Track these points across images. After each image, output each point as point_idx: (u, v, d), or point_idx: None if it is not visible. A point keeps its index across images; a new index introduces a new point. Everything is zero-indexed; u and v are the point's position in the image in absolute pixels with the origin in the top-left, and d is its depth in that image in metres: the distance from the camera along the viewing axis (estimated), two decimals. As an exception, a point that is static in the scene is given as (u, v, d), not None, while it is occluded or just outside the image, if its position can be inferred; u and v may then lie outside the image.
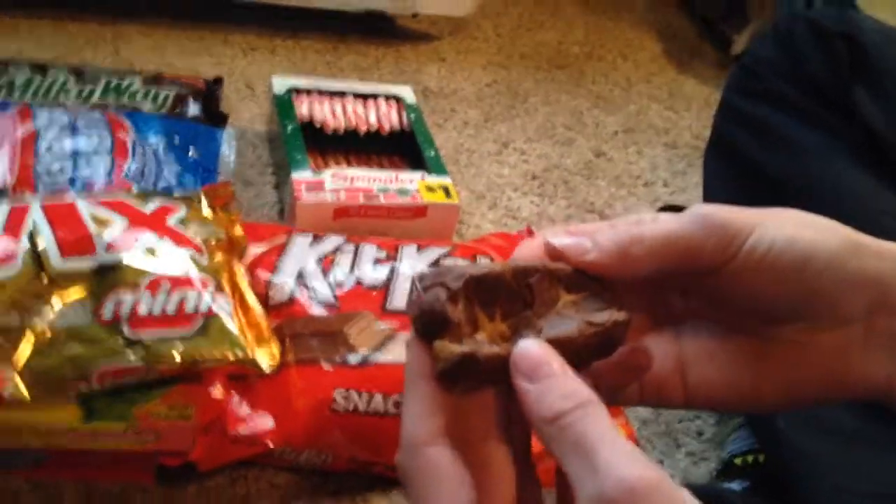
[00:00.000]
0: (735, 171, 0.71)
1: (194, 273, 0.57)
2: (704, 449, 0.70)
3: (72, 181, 0.72)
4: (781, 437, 0.57)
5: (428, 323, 0.31)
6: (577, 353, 0.32)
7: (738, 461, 0.64)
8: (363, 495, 0.61)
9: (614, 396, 0.35)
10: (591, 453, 0.26)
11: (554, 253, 0.33)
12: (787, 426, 0.56)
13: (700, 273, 0.33)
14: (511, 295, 0.33)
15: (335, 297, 0.66)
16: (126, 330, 0.53)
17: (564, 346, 0.31)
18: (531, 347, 0.29)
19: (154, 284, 0.55)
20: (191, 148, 0.82)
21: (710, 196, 0.74)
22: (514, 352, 0.30)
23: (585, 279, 0.34)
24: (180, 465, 0.57)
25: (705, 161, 0.77)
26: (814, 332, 0.33)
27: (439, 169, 0.86)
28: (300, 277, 0.66)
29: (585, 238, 0.33)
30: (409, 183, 0.83)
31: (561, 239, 0.33)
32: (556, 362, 0.29)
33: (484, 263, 0.33)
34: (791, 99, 0.69)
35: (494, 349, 0.31)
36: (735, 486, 0.62)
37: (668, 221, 0.33)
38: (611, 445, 0.26)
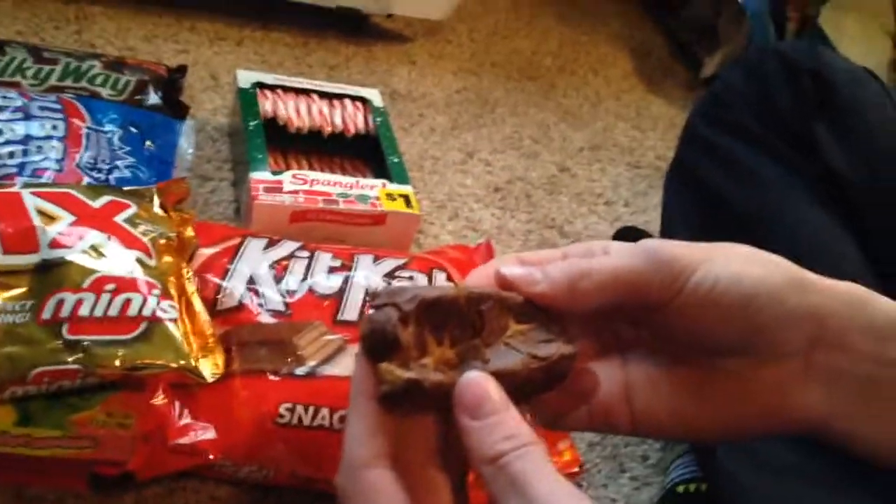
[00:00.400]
0: (695, 198, 0.71)
1: (140, 275, 0.55)
2: (648, 474, 0.70)
3: (21, 167, 0.70)
4: (720, 467, 0.57)
5: (377, 343, 0.31)
6: (521, 387, 0.32)
7: (680, 489, 0.65)
8: (304, 510, 0.60)
9: (562, 421, 0.36)
10: (528, 490, 0.26)
11: (504, 283, 0.34)
12: (726, 457, 0.57)
13: (647, 308, 0.34)
14: (462, 320, 0.33)
15: (286, 304, 0.65)
16: (66, 331, 0.51)
17: (508, 379, 0.31)
18: (475, 380, 0.29)
19: (98, 285, 0.53)
20: (147, 139, 0.79)
21: (668, 219, 0.74)
22: (458, 383, 0.30)
23: (535, 309, 0.34)
24: (118, 474, 0.56)
25: (666, 184, 0.77)
26: (756, 366, 0.34)
27: (402, 177, 0.85)
28: (251, 283, 0.65)
29: (536, 269, 0.34)
30: (370, 189, 0.82)
31: (512, 269, 0.34)
32: (499, 398, 0.29)
33: (439, 286, 0.33)
34: (756, 131, 0.70)
35: (439, 377, 0.31)
36: (675, 515, 0.62)
37: (617, 256, 0.34)
38: (547, 482, 0.26)
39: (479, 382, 0.29)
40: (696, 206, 0.73)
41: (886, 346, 0.34)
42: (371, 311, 0.32)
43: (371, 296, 0.34)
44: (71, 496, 0.56)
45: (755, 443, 0.57)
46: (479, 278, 0.35)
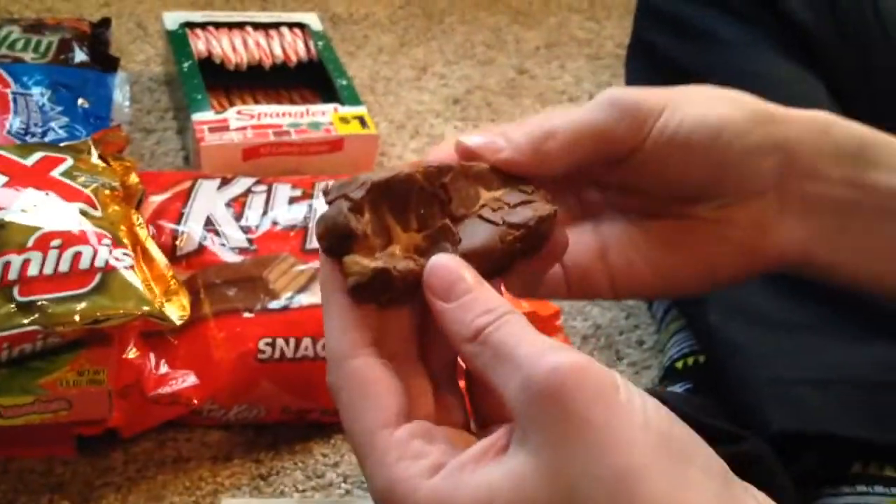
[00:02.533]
0: (657, 72, 0.69)
1: (87, 227, 0.52)
2: (646, 358, 0.69)
3: (-53, 142, 0.66)
4: (714, 332, 0.57)
5: (332, 238, 0.29)
6: (499, 260, 0.30)
7: (678, 365, 0.64)
8: (302, 444, 0.58)
9: (537, 289, 0.34)
10: (513, 354, 0.25)
11: (467, 153, 0.32)
12: (719, 320, 0.56)
13: (615, 159, 0.33)
14: (425, 198, 0.30)
15: (250, 241, 0.62)
16: (17, 294, 0.49)
17: (483, 257, 0.30)
18: (443, 263, 0.28)
19: (43, 243, 0.50)
20: (80, 97, 0.75)
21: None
22: (425, 270, 0.28)
23: (504, 174, 0.32)
24: (101, 432, 0.54)
25: (627, 64, 0.75)
26: (729, 208, 0.34)
27: (353, 99, 0.82)
28: (209, 224, 0.62)
29: (498, 136, 0.32)
30: (322, 116, 0.78)
31: (473, 138, 0.32)
32: (470, 276, 0.28)
33: (392, 168, 0.30)
34: None
35: (409, 264, 0.29)
36: (677, 388, 0.61)
37: (578, 111, 0.32)
38: (531, 342, 0.25)
39: (446, 264, 0.28)
40: (658, 80, 0.70)
41: (857, 170, 0.34)
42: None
43: (323, 193, 0.31)
44: (59, 463, 0.54)
45: (745, 300, 0.56)
46: (438, 155, 0.33)
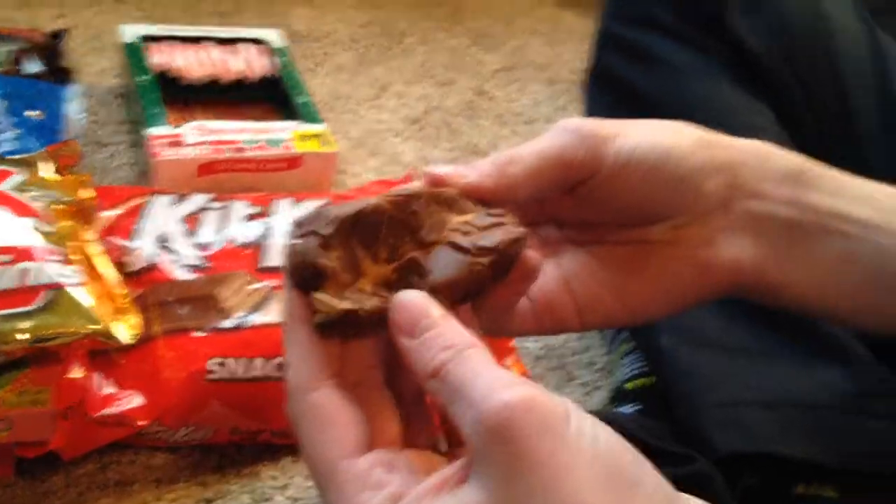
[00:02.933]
0: (614, 97, 0.70)
1: (37, 242, 0.51)
2: (597, 378, 0.69)
3: None
4: (665, 355, 0.58)
5: (302, 275, 0.29)
6: (470, 288, 0.31)
7: (629, 386, 0.65)
8: (250, 467, 0.57)
9: (507, 325, 0.35)
10: (468, 391, 0.25)
11: (435, 180, 0.33)
12: (671, 346, 0.57)
13: (574, 183, 0.34)
14: (394, 227, 0.31)
15: (204, 258, 0.61)
16: (-41, 312, 0.47)
17: (452, 288, 0.30)
18: (408, 300, 0.28)
19: (-12, 259, 0.49)
20: (32, 109, 0.74)
21: (590, 121, 0.73)
22: (392, 305, 0.28)
23: (473, 200, 0.33)
24: (42, 454, 0.52)
25: (585, 88, 0.76)
26: (680, 229, 0.35)
27: (313, 117, 0.81)
28: (162, 240, 0.61)
29: (465, 166, 0.34)
30: (281, 132, 0.78)
31: (441, 167, 0.34)
32: (435, 311, 0.28)
33: (360, 200, 0.30)
34: (667, 21, 0.69)
35: (376, 302, 0.29)
36: (627, 409, 0.62)
37: (540, 140, 0.34)
38: (487, 378, 0.25)
39: (410, 301, 0.28)
40: (614, 105, 0.72)
41: (798, 191, 0.36)
42: (293, 242, 0.30)
43: (293, 225, 0.31)
44: (-3, 486, 0.53)
45: (696, 324, 0.57)
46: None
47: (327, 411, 0.27)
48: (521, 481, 0.23)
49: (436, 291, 0.29)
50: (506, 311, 0.35)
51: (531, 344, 0.71)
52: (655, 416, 0.60)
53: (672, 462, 0.53)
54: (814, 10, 0.65)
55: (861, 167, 0.63)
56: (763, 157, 0.36)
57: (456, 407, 0.26)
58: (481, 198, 0.33)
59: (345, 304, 0.28)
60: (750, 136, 0.65)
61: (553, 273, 0.37)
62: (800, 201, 0.35)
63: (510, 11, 1.22)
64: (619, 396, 0.64)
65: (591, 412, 0.72)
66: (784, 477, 0.53)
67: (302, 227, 0.30)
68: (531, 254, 0.33)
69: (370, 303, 0.29)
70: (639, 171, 0.34)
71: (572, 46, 1.17)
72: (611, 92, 0.72)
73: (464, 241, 0.31)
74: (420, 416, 0.31)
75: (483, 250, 0.31)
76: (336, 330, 0.29)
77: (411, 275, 0.30)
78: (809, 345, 0.56)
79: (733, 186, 0.35)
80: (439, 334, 0.27)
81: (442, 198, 0.32)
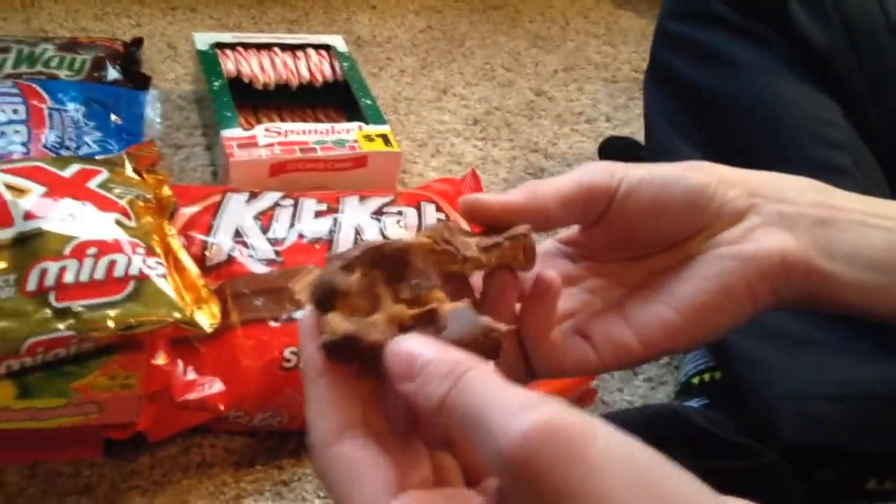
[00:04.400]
0: (674, 95, 0.70)
1: (122, 236, 0.54)
2: (662, 374, 0.70)
3: (-13, 155, 0.68)
4: (731, 348, 0.57)
5: (318, 293, 0.29)
6: (483, 352, 0.29)
7: (695, 380, 0.64)
8: (323, 452, 0.59)
9: (556, 361, 0.35)
10: (482, 419, 0.24)
11: (470, 205, 0.34)
12: (736, 338, 0.57)
13: (598, 211, 0.36)
14: (421, 272, 0.30)
15: (277, 252, 0.63)
16: (53, 300, 0.50)
17: (466, 348, 0.28)
18: (397, 349, 0.27)
19: (79, 251, 0.52)
20: (112, 113, 0.78)
21: (651, 122, 0.73)
22: (384, 353, 0.27)
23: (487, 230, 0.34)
24: (129, 436, 0.55)
25: (645, 88, 0.76)
26: (716, 235, 0.35)
27: (377, 118, 0.84)
28: (238, 236, 0.64)
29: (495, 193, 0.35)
30: (347, 133, 0.80)
31: (475, 195, 0.35)
32: (425, 348, 0.27)
33: (397, 237, 0.31)
34: (725, 17, 0.68)
35: (381, 336, 0.28)
36: (693, 403, 0.62)
37: (561, 175, 0.36)
38: (498, 403, 0.24)
39: (401, 346, 0.27)
40: (675, 103, 0.72)
41: (823, 197, 0.36)
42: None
43: (326, 260, 0.32)
44: (86, 465, 0.55)
45: (761, 316, 0.57)
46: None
47: (354, 463, 0.27)
48: None
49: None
50: (545, 337, 0.34)
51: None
52: (722, 411, 0.60)
53: (740, 455, 0.53)
54: (876, 2, 0.64)
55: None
56: (778, 176, 0.37)
57: (473, 437, 0.25)
58: (515, 220, 0.34)
59: (348, 327, 0.28)
60: (818, 129, 0.64)
61: (606, 311, 0.37)
62: (828, 203, 0.35)
63: (567, 13, 1.23)
64: (685, 391, 0.64)
65: (656, 404, 0.72)
66: (856, 471, 0.52)
67: (332, 256, 0.30)
68: (548, 273, 0.33)
69: (375, 335, 0.28)
70: (651, 190, 0.35)
71: (630, 46, 1.17)
72: (671, 90, 0.72)
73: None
74: (448, 457, 0.30)
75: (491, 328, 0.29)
76: (339, 353, 0.28)
77: (427, 326, 0.29)
78: (879, 339, 0.55)
79: (755, 195, 0.35)
80: (435, 367, 0.26)
81: (457, 229, 0.32)
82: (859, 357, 0.55)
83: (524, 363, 0.35)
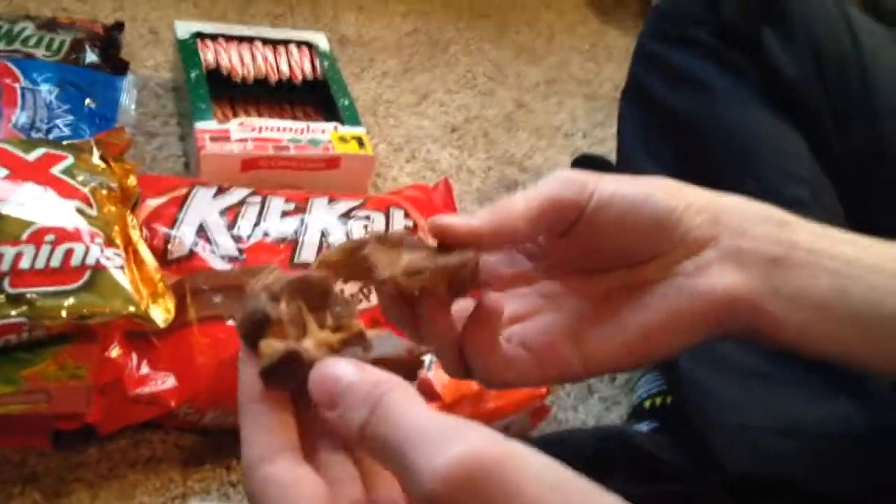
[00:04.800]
0: (647, 115, 0.71)
1: (82, 225, 0.54)
2: (616, 394, 0.70)
3: (-47, 131, 0.67)
4: (684, 377, 0.58)
5: (249, 324, 0.30)
6: (409, 370, 0.31)
7: (647, 404, 0.65)
8: (273, 453, 0.59)
9: (497, 373, 0.35)
10: (403, 453, 0.24)
11: (438, 229, 0.34)
12: (690, 367, 0.58)
13: (565, 224, 0.36)
14: (342, 301, 0.32)
15: (240, 250, 0.63)
16: (7, 285, 0.50)
17: (393, 366, 0.30)
18: (319, 370, 0.27)
19: (37, 237, 0.52)
20: (87, 97, 0.77)
21: (623, 140, 0.74)
22: (311, 377, 0.28)
23: (440, 245, 0.34)
24: (78, 427, 0.54)
25: (620, 107, 0.76)
26: (674, 265, 0.36)
27: (353, 119, 0.83)
28: (201, 231, 0.63)
29: (466, 215, 0.35)
30: (322, 133, 0.80)
31: (444, 217, 0.35)
32: (348, 373, 0.27)
33: (317, 273, 0.32)
34: (704, 43, 0.69)
35: (319, 354, 0.29)
36: (643, 426, 0.63)
37: (534, 187, 0.36)
38: (418, 436, 0.24)
39: (323, 370, 0.27)
40: (648, 123, 0.73)
41: (782, 232, 0.36)
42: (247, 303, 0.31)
43: (246, 294, 0.33)
44: (34, 454, 0.55)
45: (717, 349, 0.58)
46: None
47: (285, 482, 0.27)
48: None
49: (378, 364, 0.29)
50: (488, 356, 0.35)
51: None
52: (671, 435, 0.60)
53: (684, 480, 0.53)
54: (845, 33, 0.65)
55: (893, 193, 0.62)
56: (743, 204, 0.37)
57: (395, 471, 0.25)
58: (483, 242, 0.34)
59: (287, 344, 0.28)
60: (783, 162, 0.64)
61: (554, 322, 0.37)
62: (784, 240, 0.36)
63: (555, 26, 1.23)
64: (637, 413, 0.65)
65: (606, 426, 0.73)
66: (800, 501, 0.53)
67: (254, 288, 0.31)
68: (492, 295, 0.34)
69: (314, 352, 0.29)
70: (620, 208, 0.35)
71: (613, 63, 1.17)
72: (645, 110, 0.73)
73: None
74: (381, 474, 0.30)
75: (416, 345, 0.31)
76: (280, 376, 0.28)
77: (355, 346, 0.30)
78: (829, 376, 0.56)
79: (718, 223, 0.36)
80: (356, 389, 0.26)
81: (391, 240, 0.33)
82: (812, 393, 0.56)
83: (465, 371, 0.35)
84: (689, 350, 0.56)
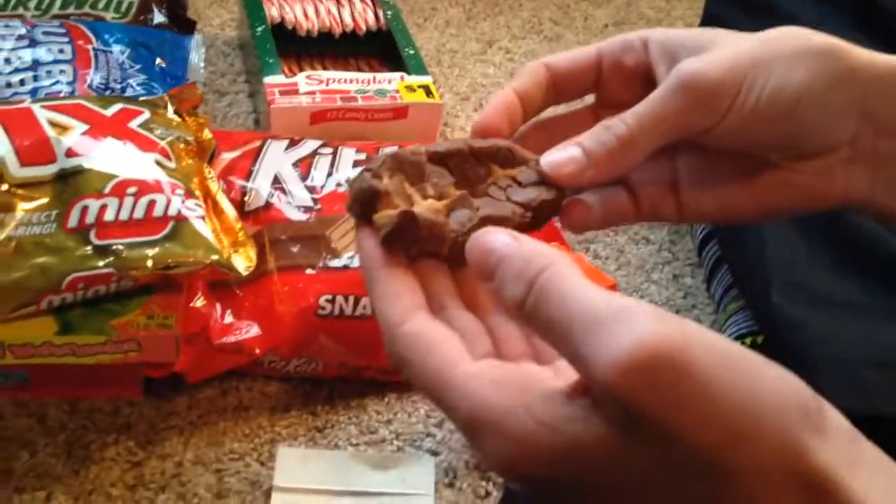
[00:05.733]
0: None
1: (162, 177, 0.54)
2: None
3: (33, 92, 0.69)
4: (775, 312, 0.56)
5: (359, 201, 0.31)
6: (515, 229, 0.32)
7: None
8: (357, 400, 0.59)
9: (604, 220, 0.36)
10: (571, 340, 0.23)
11: (554, 174, 0.34)
12: (782, 300, 0.56)
13: (689, 137, 0.35)
14: (437, 173, 0.33)
15: (314, 200, 0.63)
16: (94, 237, 0.51)
17: (500, 224, 0.31)
18: (474, 240, 0.28)
19: (119, 189, 0.52)
20: (157, 56, 0.77)
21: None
22: (467, 248, 0.28)
23: (522, 152, 0.35)
24: (167, 375, 0.56)
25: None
26: (799, 160, 0.34)
27: (419, 69, 0.82)
28: (276, 182, 0.63)
29: (577, 152, 0.33)
30: (388, 83, 0.79)
31: (553, 157, 0.33)
32: (500, 243, 0.27)
33: (409, 147, 0.33)
34: None
35: (432, 216, 0.31)
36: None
37: (652, 105, 0.33)
38: (584, 323, 0.23)
39: (477, 241, 0.27)
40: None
41: None
42: (350, 182, 0.33)
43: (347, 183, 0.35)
44: (125, 403, 0.56)
45: (807, 279, 0.56)
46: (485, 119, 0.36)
47: (425, 336, 0.27)
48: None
49: (489, 222, 0.31)
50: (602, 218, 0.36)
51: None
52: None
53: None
54: None
55: None
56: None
57: (562, 352, 0.24)
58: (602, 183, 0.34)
59: (401, 208, 0.30)
60: None
61: (663, 172, 0.37)
62: None
63: (621, -34, 1.19)
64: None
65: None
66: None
67: (358, 174, 0.32)
68: (583, 207, 0.35)
69: (427, 213, 0.31)
70: (762, 120, 0.33)
71: (684, 2, 1.13)
72: None
73: (499, 194, 0.33)
74: (507, 328, 0.30)
75: (517, 204, 0.33)
76: (400, 240, 0.30)
77: (462, 210, 0.32)
78: None
79: (864, 125, 0.34)
80: (509, 265, 0.26)
81: (485, 152, 0.34)
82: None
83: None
84: (783, 283, 0.54)
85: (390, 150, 0.33)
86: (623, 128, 0.33)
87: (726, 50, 0.34)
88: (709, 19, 0.72)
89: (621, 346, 0.22)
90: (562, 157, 0.33)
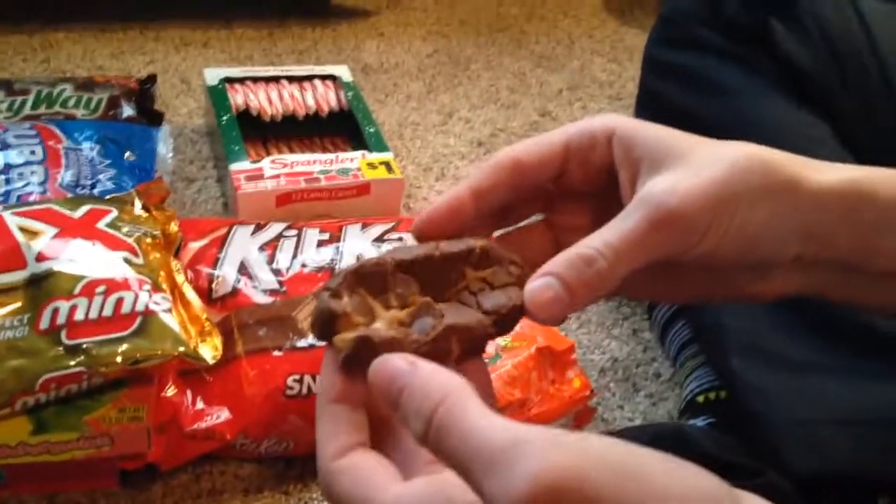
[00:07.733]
0: (665, 122, 0.71)
1: (129, 273, 0.57)
2: (663, 390, 0.70)
3: (6, 195, 0.71)
4: (736, 376, 0.58)
5: (319, 323, 0.31)
6: (480, 340, 0.32)
7: (700, 398, 0.65)
8: (328, 476, 0.61)
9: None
10: (471, 476, 0.24)
11: (539, 313, 0.32)
12: (740, 364, 0.58)
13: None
14: (403, 282, 0.33)
15: (280, 283, 0.66)
16: (65, 337, 0.53)
17: (465, 334, 0.32)
18: (375, 367, 0.28)
19: (89, 289, 0.55)
20: (126, 150, 0.81)
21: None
22: (369, 376, 0.28)
23: (492, 254, 0.34)
24: (141, 467, 0.57)
25: (635, 113, 0.77)
26: (744, 268, 0.35)
27: (380, 145, 0.86)
28: (243, 268, 0.66)
29: (559, 288, 0.32)
30: (350, 162, 0.83)
31: (536, 297, 0.32)
32: (399, 372, 0.27)
33: (368, 257, 0.33)
34: (711, 42, 0.69)
35: (391, 333, 0.31)
36: (699, 422, 0.63)
37: (627, 240, 0.32)
38: (481, 459, 0.23)
39: (375, 370, 0.27)
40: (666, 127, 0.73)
41: (868, 240, 0.35)
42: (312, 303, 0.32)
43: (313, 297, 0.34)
44: (102, 496, 0.58)
45: (765, 341, 0.58)
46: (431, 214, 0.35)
47: (360, 468, 0.28)
48: None
49: (450, 332, 0.31)
50: None
51: (596, 356, 0.73)
52: (728, 429, 0.60)
53: (744, 475, 0.53)
54: (851, 13, 0.64)
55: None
56: (849, 207, 0.35)
57: (465, 481, 0.24)
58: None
59: (358, 332, 0.30)
60: (809, 149, 0.65)
61: None
62: (868, 248, 0.35)
63: (573, 33, 1.24)
64: (689, 408, 0.65)
65: (663, 423, 0.72)
66: (864, 494, 0.53)
67: (316, 290, 0.32)
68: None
69: (385, 333, 0.30)
70: (725, 251, 0.34)
71: (635, 63, 1.17)
72: (659, 115, 0.73)
73: (469, 299, 0.33)
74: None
75: (486, 313, 0.32)
76: (360, 362, 0.29)
77: (425, 316, 0.31)
78: (883, 362, 0.55)
79: (810, 238, 0.35)
80: (406, 400, 0.26)
81: (454, 255, 0.33)
82: (865, 381, 0.55)
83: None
84: (742, 348, 0.56)
85: (352, 264, 0.33)
86: (604, 264, 0.32)
87: (692, 179, 0.33)
88: (646, 95, 0.75)
89: (517, 487, 0.22)
90: (545, 296, 0.32)
